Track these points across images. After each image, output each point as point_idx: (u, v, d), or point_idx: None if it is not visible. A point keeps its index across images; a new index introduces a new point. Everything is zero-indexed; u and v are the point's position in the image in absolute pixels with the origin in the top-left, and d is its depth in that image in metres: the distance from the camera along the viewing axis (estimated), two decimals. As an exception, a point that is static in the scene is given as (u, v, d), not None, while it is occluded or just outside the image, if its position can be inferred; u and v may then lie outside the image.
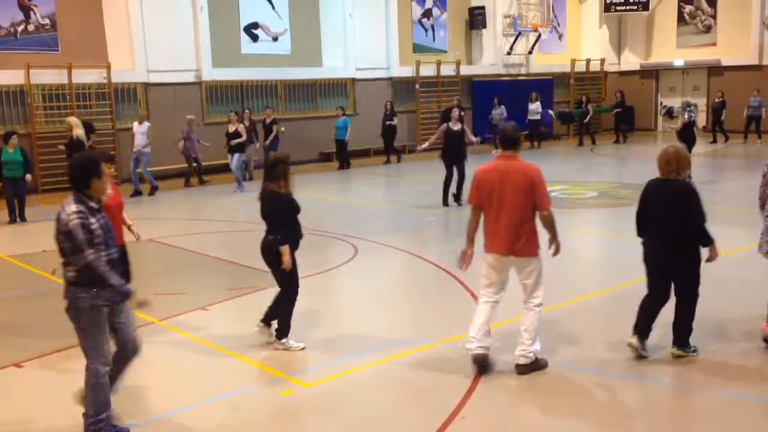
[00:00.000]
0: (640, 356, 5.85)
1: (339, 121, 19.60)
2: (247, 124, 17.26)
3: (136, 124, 16.13)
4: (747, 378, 5.58)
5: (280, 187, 6.18)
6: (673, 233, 5.64)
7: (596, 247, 10.82)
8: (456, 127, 13.23)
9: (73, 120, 15.23)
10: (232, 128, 16.54)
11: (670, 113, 25.29)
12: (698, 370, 5.71)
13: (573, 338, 6.49)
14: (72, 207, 4.52)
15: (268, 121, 18.16)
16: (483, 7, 24.64)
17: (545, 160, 21.15)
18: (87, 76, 17.32)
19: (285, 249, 6.14)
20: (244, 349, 6.36)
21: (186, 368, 6.19)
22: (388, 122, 20.49)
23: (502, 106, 22.69)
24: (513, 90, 24.53)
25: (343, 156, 19.79)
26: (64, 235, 4.52)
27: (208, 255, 10.25)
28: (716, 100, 23.28)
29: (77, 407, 5.33)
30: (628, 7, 27.06)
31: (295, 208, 6.28)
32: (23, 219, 13.32)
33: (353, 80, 21.94)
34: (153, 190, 16.14)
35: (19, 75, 16.53)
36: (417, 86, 23.16)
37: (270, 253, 6.24)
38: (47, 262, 9.58)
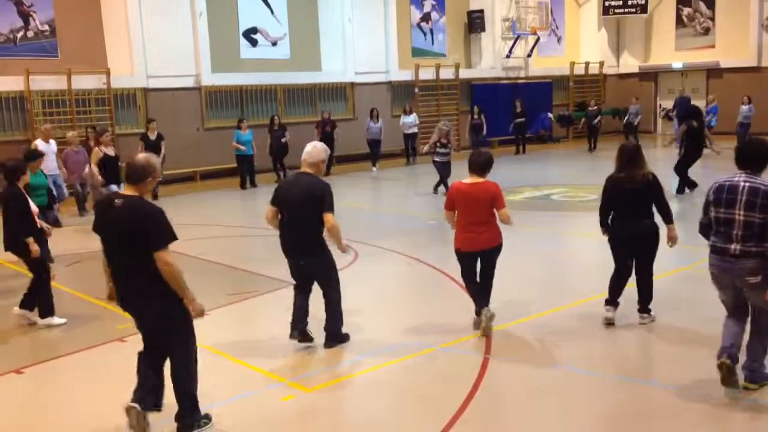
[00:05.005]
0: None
1: (242, 134, 17.36)
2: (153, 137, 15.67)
3: (40, 140, 13.31)
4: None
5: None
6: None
7: (596, 250, 10.79)
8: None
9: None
10: (111, 150, 12.90)
11: (669, 116, 25.28)
12: (698, 373, 5.71)
13: (573, 341, 6.49)
14: None
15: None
16: (482, 11, 24.68)
17: (546, 162, 21.21)
18: (86, 82, 17.34)
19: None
20: (245, 354, 6.35)
21: (187, 374, 6.18)
22: (283, 139, 17.99)
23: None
24: (512, 93, 24.54)
25: (252, 172, 17.50)
26: None
27: (209, 260, 10.24)
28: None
29: (77, 413, 5.32)
30: (626, 10, 27.10)
31: None
32: None
33: (353, 84, 21.97)
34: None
35: (18, 81, 16.54)
36: (416, 90, 23.17)
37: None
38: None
